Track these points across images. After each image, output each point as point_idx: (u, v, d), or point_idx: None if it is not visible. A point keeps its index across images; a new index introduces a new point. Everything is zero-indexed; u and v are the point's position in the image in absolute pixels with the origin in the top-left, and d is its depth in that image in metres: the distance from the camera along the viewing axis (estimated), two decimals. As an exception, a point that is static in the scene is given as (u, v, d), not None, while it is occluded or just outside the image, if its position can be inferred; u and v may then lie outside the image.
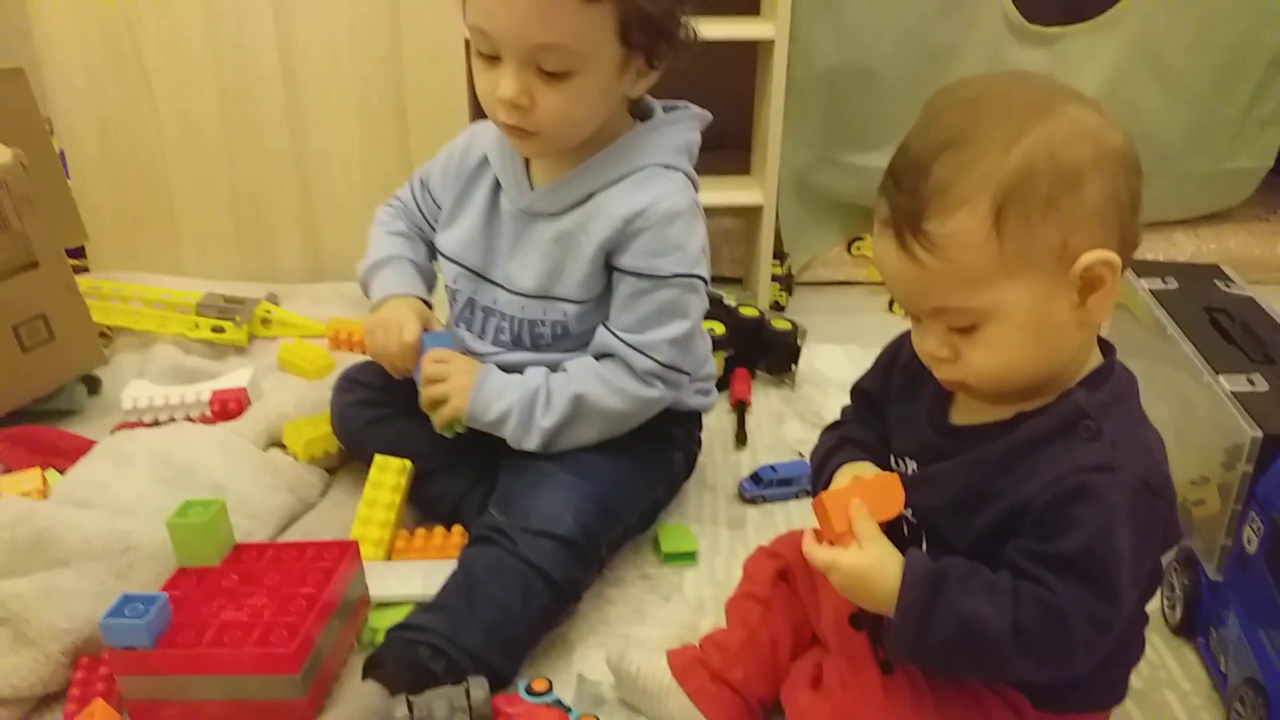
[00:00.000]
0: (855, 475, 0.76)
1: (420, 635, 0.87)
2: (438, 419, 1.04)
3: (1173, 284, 1.20)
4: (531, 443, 1.02)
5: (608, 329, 1.02)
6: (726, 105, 1.77)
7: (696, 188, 1.04)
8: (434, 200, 1.13)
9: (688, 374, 1.06)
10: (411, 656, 0.86)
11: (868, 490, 0.73)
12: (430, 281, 1.15)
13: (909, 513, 0.76)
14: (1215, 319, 1.11)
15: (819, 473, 0.84)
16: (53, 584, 0.92)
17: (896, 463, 0.81)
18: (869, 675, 0.75)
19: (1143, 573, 0.69)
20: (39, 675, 0.87)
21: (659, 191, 0.99)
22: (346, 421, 1.14)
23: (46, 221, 1.21)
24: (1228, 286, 1.20)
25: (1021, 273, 0.65)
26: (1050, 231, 0.64)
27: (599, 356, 1.03)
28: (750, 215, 1.66)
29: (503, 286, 1.06)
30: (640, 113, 1.05)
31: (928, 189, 0.65)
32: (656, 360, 1.01)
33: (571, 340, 1.05)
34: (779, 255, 1.72)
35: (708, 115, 1.07)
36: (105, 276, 1.60)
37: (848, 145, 1.71)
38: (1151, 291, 1.18)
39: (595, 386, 1.01)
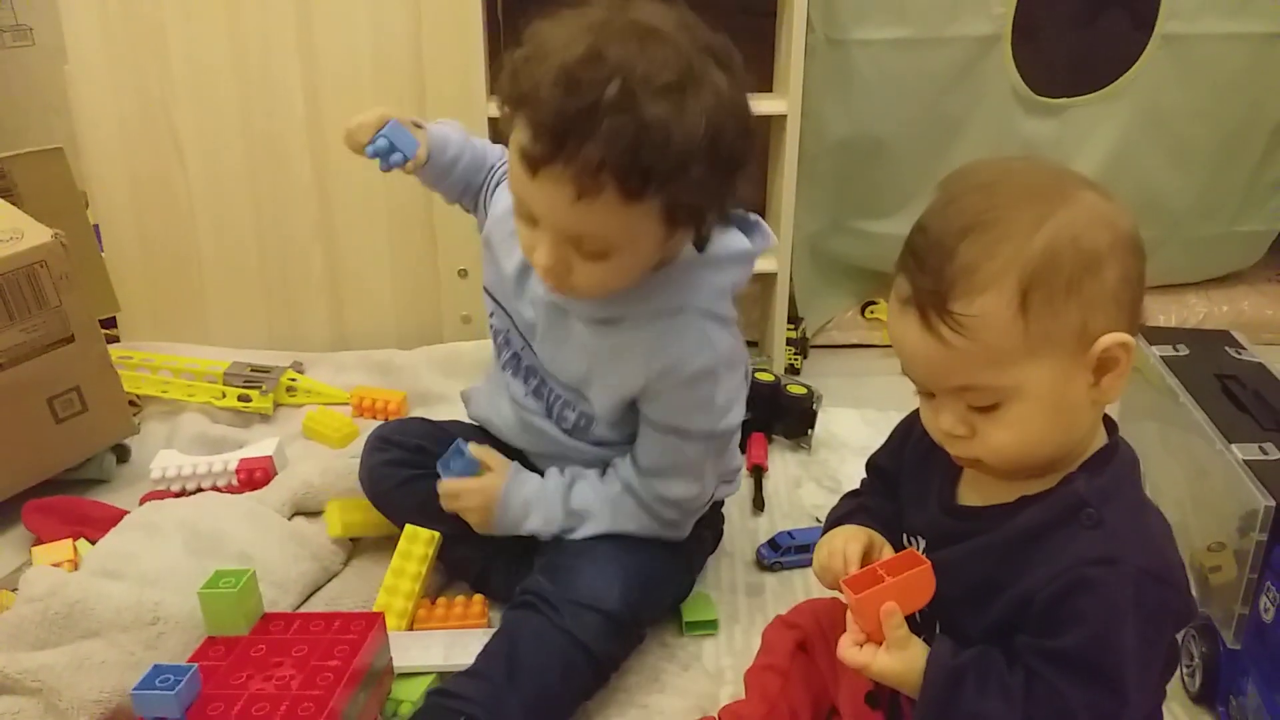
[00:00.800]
0: (873, 553, 0.79)
1: (460, 705, 0.88)
2: None
3: (1183, 350, 1.21)
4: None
5: (633, 468, 1.02)
6: (741, 173, 1.80)
7: (733, 323, 0.99)
8: (490, 195, 1.11)
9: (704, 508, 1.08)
10: None
11: (901, 587, 0.72)
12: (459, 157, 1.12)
13: None
14: (1227, 386, 1.12)
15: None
16: (84, 655, 0.94)
17: (908, 540, 0.83)
18: None
19: (1156, 659, 0.70)
20: (69, 747, 0.89)
21: (690, 346, 0.95)
22: (377, 481, 1.14)
23: (83, 297, 1.25)
24: (1238, 353, 1.21)
25: (1044, 353, 0.67)
26: (1072, 313, 0.66)
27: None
28: (765, 281, 1.69)
29: (539, 358, 1.06)
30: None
31: (953, 270, 0.67)
32: (676, 508, 1.03)
33: (591, 436, 1.05)
34: (793, 319, 1.74)
35: (772, 238, 1.03)
36: (135, 346, 1.64)
37: (859, 212, 1.75)
38: (1163, 358, 1.19)
39: (615, 522, 1.02)
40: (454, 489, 1.04)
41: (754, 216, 1.02)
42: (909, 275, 0.70)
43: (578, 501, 1.03)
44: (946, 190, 0.71)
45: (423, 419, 1.21)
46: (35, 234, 1.20)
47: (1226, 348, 1.22)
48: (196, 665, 0.87)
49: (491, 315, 1.10)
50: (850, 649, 0.73)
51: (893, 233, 1.72)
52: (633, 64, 0.78)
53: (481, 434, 1.14)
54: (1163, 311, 1.79)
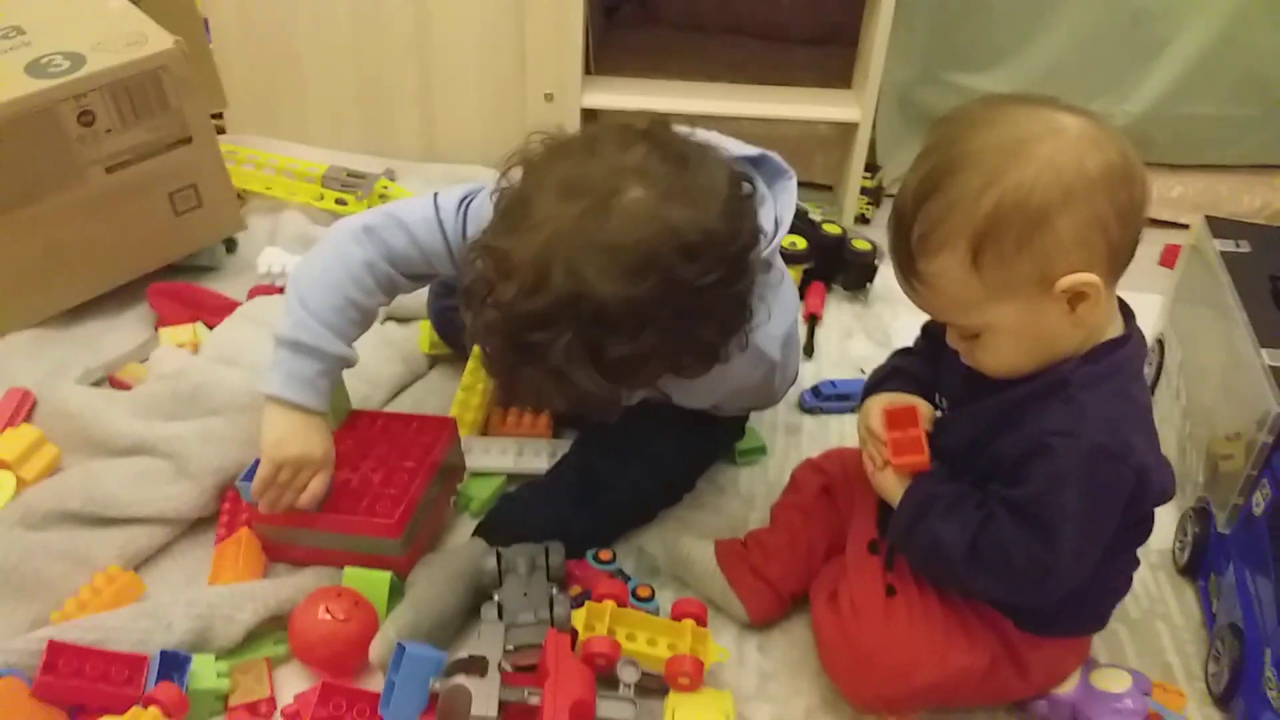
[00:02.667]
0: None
1: (531, 516, 1.02)
2: None
3: (1245, 247, 1.21)
4: None
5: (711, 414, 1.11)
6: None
7: (775, 268, 0.97)
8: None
9: None
10: (518, 532, 1.00)
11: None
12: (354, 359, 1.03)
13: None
14: (1277, 289, 1.14)
15: (866, 394, 0.96)
16: (208, 429, 1.09)
17: (939, 400, 0.92)
18: (875, 599, 0.87)
19: (1104, 523, 0.78)
20: (195, 503, 1.05)
21: (747, 365, 0.95)
22: (444, 324, 1.24)
23: (200, 101, 1.34)
24: (1300, 256, 1.22)
25: (1005, 297, 0.74)
26: (1026, 264, 0.72)
27: None
28: (845, 130, 1.69)
29: None
30: None
31: (914, 234, 0.74)
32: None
33: None
34: (871, 168, 1.76)
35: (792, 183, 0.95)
36: (240, 141, 1.73)
37: (953, 65, 1.72)
38: (1221, 253, 1.20)
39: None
40: None
41: (768, 156, 0.95)
42: (889, 233, 0.78)
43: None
44: (927, 142, 0.76)
45: None
46: (158, 39, 1.27)
47: (1289, 249, 1.23)
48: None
49: None
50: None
51: (986, 88, 1.71)
52: (585, 323, 0.76)
53: None
54: (1248, 191, 1.75)
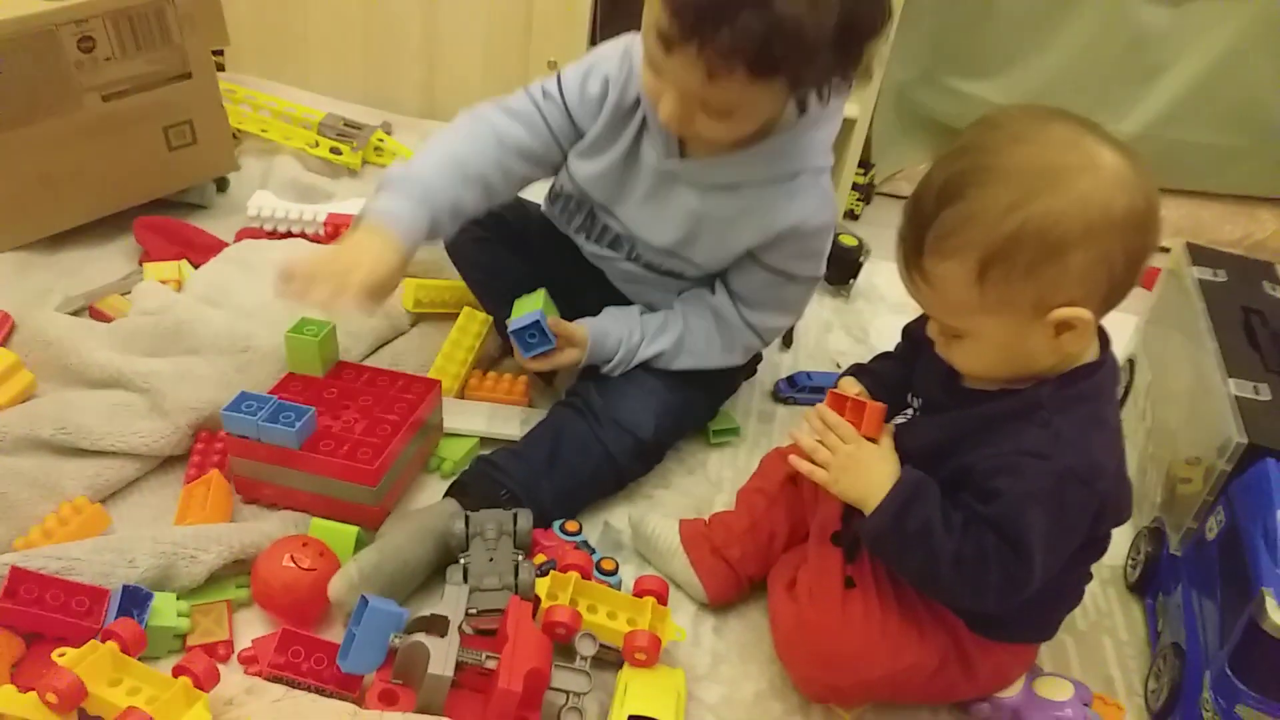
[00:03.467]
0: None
1: (504, 478, 1.04)
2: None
3: (1222, 277, 1.24)
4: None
5: (728, 294, 1.12)
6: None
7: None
8: (571, 119, 1.07)
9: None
10: (491, 494, 1.02)
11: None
12: (445, 233, 1.05)
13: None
14: (1249, 320, 1.16)
15: None
16: (186, 368, 1.09)
17: (911, 399, 0.94)
18: (833, 589, 0.89)
19: (1066, 542, 0.81)
20: (168, 440, 1.05)
21: (813, 206, 1.03)
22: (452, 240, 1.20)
23: (203, 38, 1.33)
24: (1274, 288, 1.24)
25: (998, 313, 0.75)
26: (1028, 290, 0.73)
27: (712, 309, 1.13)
28: (844, 126, 1.70)
29: (628, 227, 1.11)
30: None
31: (930, 233, 0.75)
32: (760, 339, 1.15)
33: (680, 280, 1.14)
34: (864, 164, 1.77)
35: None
36: (239, 81, 1.72)
37: (954, 69, 1.73)
38: (1199, 280, 1.23)
39: (692, 360, 1.13)
40: (538, 366, 1.13)
41: None
42: (904, 221, 0.78)
43: (650, 353, 1.13)
44: (963, 139, 0.76)
45: None
46: (165, -30, 1.27)
47: (1265, 281, 1.25)
48: (276, 398, 1.00)
49: (556, 186, 1.15)
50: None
51: (983, 95, 1.72)
52: None
53: (550, 233, 1.20)
54: (1230, 221, 1.78)
